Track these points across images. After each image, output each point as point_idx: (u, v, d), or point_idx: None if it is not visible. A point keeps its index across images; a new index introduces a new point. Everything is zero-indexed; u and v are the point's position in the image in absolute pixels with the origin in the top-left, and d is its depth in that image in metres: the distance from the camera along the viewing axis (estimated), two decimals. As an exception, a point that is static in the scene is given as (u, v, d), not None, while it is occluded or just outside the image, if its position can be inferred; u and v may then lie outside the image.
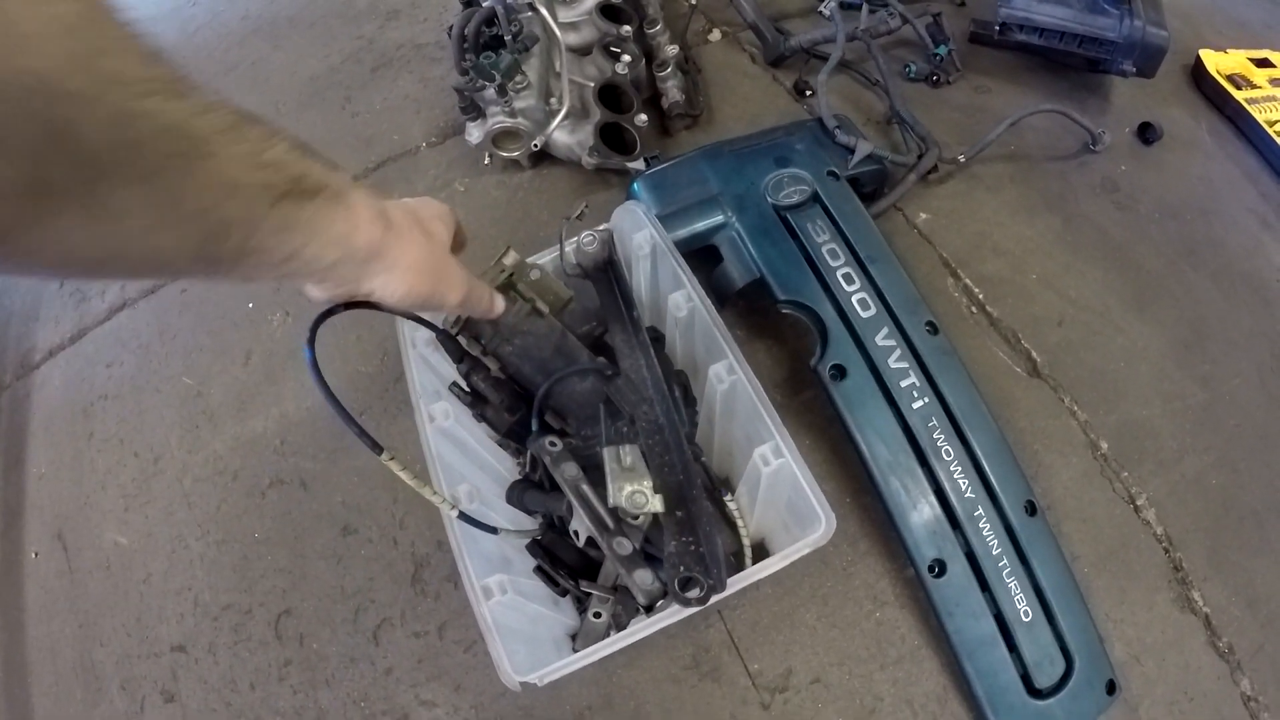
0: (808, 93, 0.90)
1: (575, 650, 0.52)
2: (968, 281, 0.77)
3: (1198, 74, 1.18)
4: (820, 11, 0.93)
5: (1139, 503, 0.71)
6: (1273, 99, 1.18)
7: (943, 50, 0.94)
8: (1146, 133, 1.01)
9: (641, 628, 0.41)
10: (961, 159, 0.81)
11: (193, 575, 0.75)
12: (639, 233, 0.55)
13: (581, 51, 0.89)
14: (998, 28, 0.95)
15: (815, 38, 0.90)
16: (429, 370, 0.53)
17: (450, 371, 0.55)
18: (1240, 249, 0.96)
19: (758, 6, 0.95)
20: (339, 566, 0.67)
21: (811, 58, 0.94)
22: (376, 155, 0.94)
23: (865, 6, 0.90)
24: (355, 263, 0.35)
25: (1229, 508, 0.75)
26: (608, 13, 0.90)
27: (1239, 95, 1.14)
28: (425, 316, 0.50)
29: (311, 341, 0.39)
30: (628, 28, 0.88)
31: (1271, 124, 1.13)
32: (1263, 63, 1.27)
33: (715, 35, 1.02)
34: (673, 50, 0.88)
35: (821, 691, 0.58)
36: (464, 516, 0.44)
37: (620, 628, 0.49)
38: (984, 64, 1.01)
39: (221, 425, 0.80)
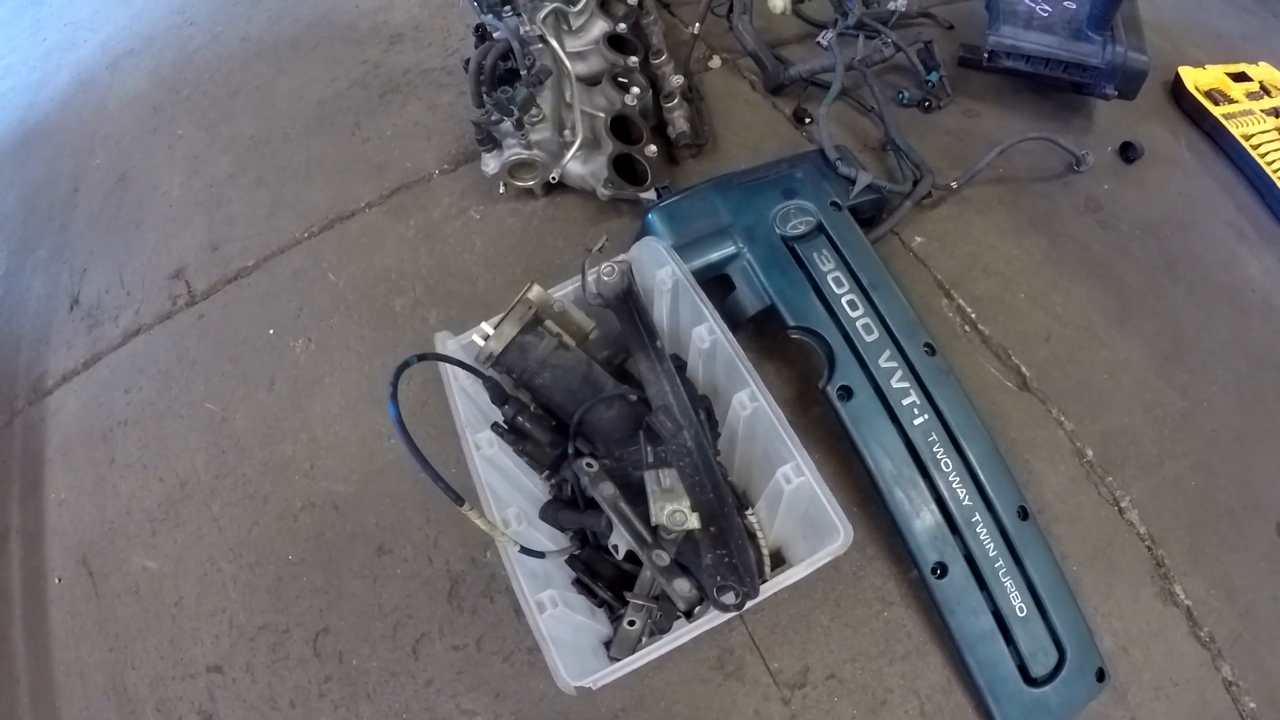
0: (806, 120, 0.97)
1: (611, 656, 0.58)
2: (960, 301, 0.84)
3: (1177, 91, 1.28)
4: (818, 42, 1.00)
5: (1123, 505, 0.79)
6: (1249, 113, 1.28)
7: (934, 77, 1.02)
8: (1128, 152, 1.10)
9: (684, 632, 0.47)
10: (954, 185, 0.89)
11: (226, 597, 0.80)
12: (661, 269, 0.62)
13: (591, 82, 0.95)
14: (986, 54, 1.03)
15: (814, 67, 0.97)
16: (470, 401, 0.59)
17: (485, 401, 0.61)
18: (1217, 261, 1.05)
19: (757, 35, 1.02)
20: (375, 585, 0.73)
21: (809, 85, 1.01)
22: (390, 182, 1.00)
23: (861, 36, 0.97)
24: None
25: (1207, 507, 0.83)
26: (614, 43, 0.97)
27: (1216, 111, 1.23)
28: (467, 361, 0.56)
29: (394, 395, 0.44)
30: (634, 58, 0.95)
31: (1247, 138, 1.22)
32: (1240, 76, 1.37)
33: (716, 62, 1.09)
34: (678, 80, 0.95)
35: (836, 686, 0.65)
36: (524, 550, 0.50)
37: (654, 634, 0.55)
38: (973, 87, 1.10)
39: (248, 450, 0.85)
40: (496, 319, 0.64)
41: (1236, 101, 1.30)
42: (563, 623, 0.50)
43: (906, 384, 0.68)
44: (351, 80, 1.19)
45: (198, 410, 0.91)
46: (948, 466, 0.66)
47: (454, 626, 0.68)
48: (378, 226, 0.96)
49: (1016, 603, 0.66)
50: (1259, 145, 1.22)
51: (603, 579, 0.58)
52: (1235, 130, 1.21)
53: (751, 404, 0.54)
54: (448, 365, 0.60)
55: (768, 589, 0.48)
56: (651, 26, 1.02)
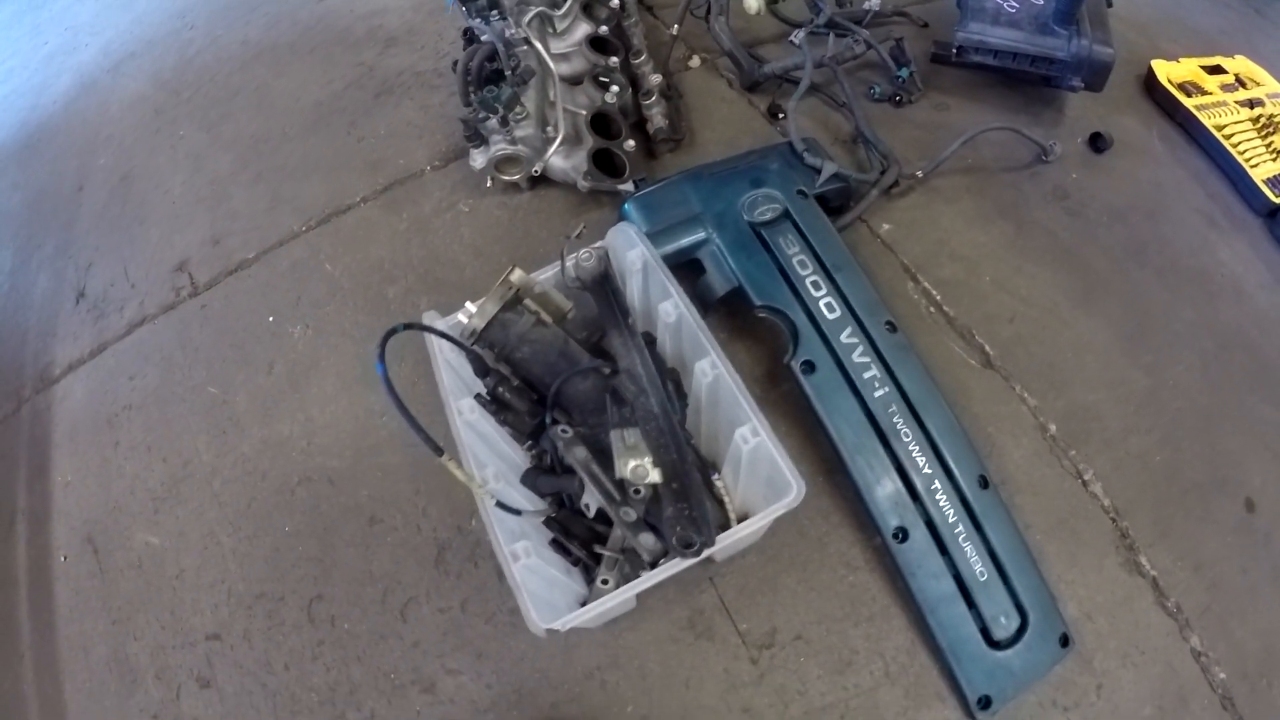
0: (780, 115, 1.03)
1: (581, 607, 0.62)
2: (926, 285, 0.90)
3: (1150, 83, 1.33)
4: (791, 40, 1.06)
5: (1086, 477, 0.83)
6: (1223, 104, 1.33)
7: (904, 73, 1.08)
8: (1097, 142, 1.15)
9: (648, 578, 0.52)
10: (920, 174, 0.94)
11: (225, 569, 0.85)
12: (631, 250, 0.67)
13: (573, 81, 1.01)
14: (955, 50, 1.09)
15: (787, 65, 1.03)
16: (454, 373, 0.64)
17: (469, 374, 0.67)
18: (1186, 247, 1.10)
19: (734, 35, 1.08)
20: (366, 553, 0.78)
21: (784, 83, 1.07)
22: (384, 178, 1.06)
23: (832, 35, 1.03)
24: None
25: (1173, 481, 0.87)
26: (596, 44, 1.03)
27: (1189, 103, 1.29)
28: (449, 332, 0.61)
29: (382, 356, 0.50)
30: (615, 59, 1.01)
31: (1220, 128, 1.28)
32: (1214, 69, 1.42)
33: (695, 62, 1.15)
34: (656, 79, 1.01)
35: (803, 647, 0.69)
36: (500, 505, 0.55)
37: (627, 577, 0.60)
38: (944, 82, 1.15)
39: (248, 430, 0.90)
40: (481, 300, 0.70)
41: (1210, 93, 1.36)
42: (536, 574, 0.55)
43: (867, 359, 0.73)
44: (347, 82, 1.26)
45: (200, 394, 0.96)
46: (907, 436, 0.71)
47: (440, 591, 0.74)
48: (372, 220, 1.02)
49: (977, 567, 0.71)
50: (1231, 135, 1.27)
51: (577, 538, 0.63)
52: (1207, 121, 1.26)
53: (712, 371, 0.59)
54: (434, 340, 0.66)
55: (724, 538, 0.53)
56: (633, 28, 1.09)
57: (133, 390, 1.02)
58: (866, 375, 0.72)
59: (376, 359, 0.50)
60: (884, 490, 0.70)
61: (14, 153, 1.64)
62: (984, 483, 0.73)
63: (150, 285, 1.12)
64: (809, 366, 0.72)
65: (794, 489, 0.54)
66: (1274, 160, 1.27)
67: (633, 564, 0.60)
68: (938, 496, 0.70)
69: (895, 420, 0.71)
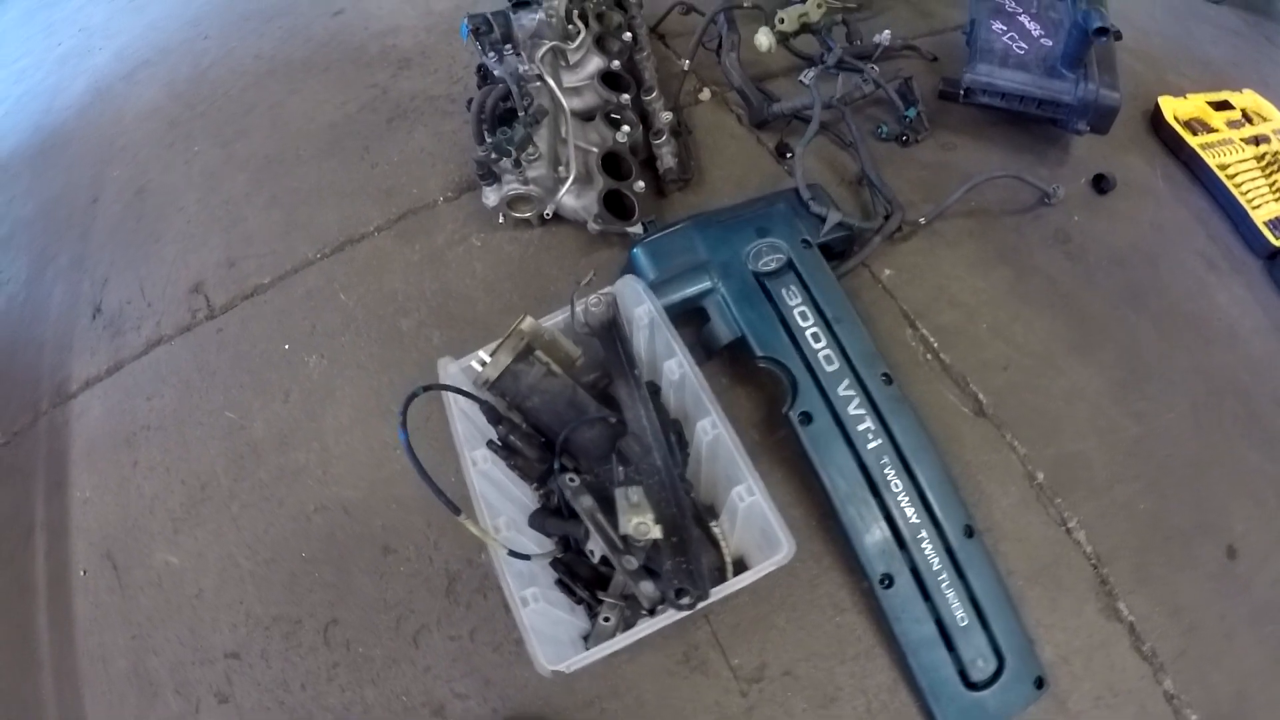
0: (788, 155, 1.08)
1: (588, 648, 0.68)
2: (924, 331, 0.95)
3: (1156, 121, 1.38)
4: (801, 80, 1.10)
5: (1070, 525, 0.89)
6: (1228, 142, 1.38)
7: (911, 112, 1.12)
8: (1100, 184, 1.20)
9: (646, 627, 0.58)
10: (923, 221, 0.99)
11: (244, 590, 0.91)
12: (639, 306, 0.73)
13: (585, 117, 1.06)
14: (963, 91, 1.13)
15: (796, 105, 1.08)
16: (468, 420, 0.70)
17: (482, 421, 0.73)
18: (1184, 291, 1.14)
19: (743, 71, 1.13)
20: (381, 581, 0.84)
21: (793, 119, 1.11)
22: (397, 208, 1.12)
23: (841, 76, 1.07)
24: None
25: (1156, 528, 0.93)
26: (608, 80, 1.08)
27: (1194, 141, 1.33)
28: (466, 388, 0.67)
29: (403, 424, 0.55)
30: (626, 95, 1.06)
31: (1224, 167, 1.32)
32: (1222, 105, 1.46)
33: (705, 94, 1.20)
34: (667, 117, 1.06)
35: (791, 682, 0.75)
36: (512, 553, 0.61)
37: (625, 629, 0.66)
38: (952, 120, 1.20)
39: (265, 457, 0.96)
40: (493, 345, 0.75)
41: (1216, 130, 1.40)
42: (543, 616, 0.61)
43: (862, 411, 0.78)
44: (361, 104, 1.31)
45: (217, 418, 1.02)
46: (897, 487, 0.77)
47: (450, 619, 0.80)
48: (386, 250, 1.07)
49: (958, 613, 0.77)
50: (1235, 174, 1.32)
51: (581, 580, 0.69)
52: (1211, 160, 1.31)
53: (713, 431, 0.65)
54: (450, 397, 0.72)
55: (718, 592, 0.59)
56: (644, 62, 1.13)
57: (150, 411, 1.09)
58: (861, 427, 0.78)
59: (399, 426, 0.56)
60: (872, 538, 0.76)
61: (28, 158, 1.70)
62: (969, 532, 0.79)
63: (166, 305, 1.18)
64: (806, 418, 0.78)
65: (784, 548, 0.60)
66: (1277, 200, 1.32)
67: (632, 606, 0.66)
68: (924, 545, 0.76)
69: (887, 471, 0.77)
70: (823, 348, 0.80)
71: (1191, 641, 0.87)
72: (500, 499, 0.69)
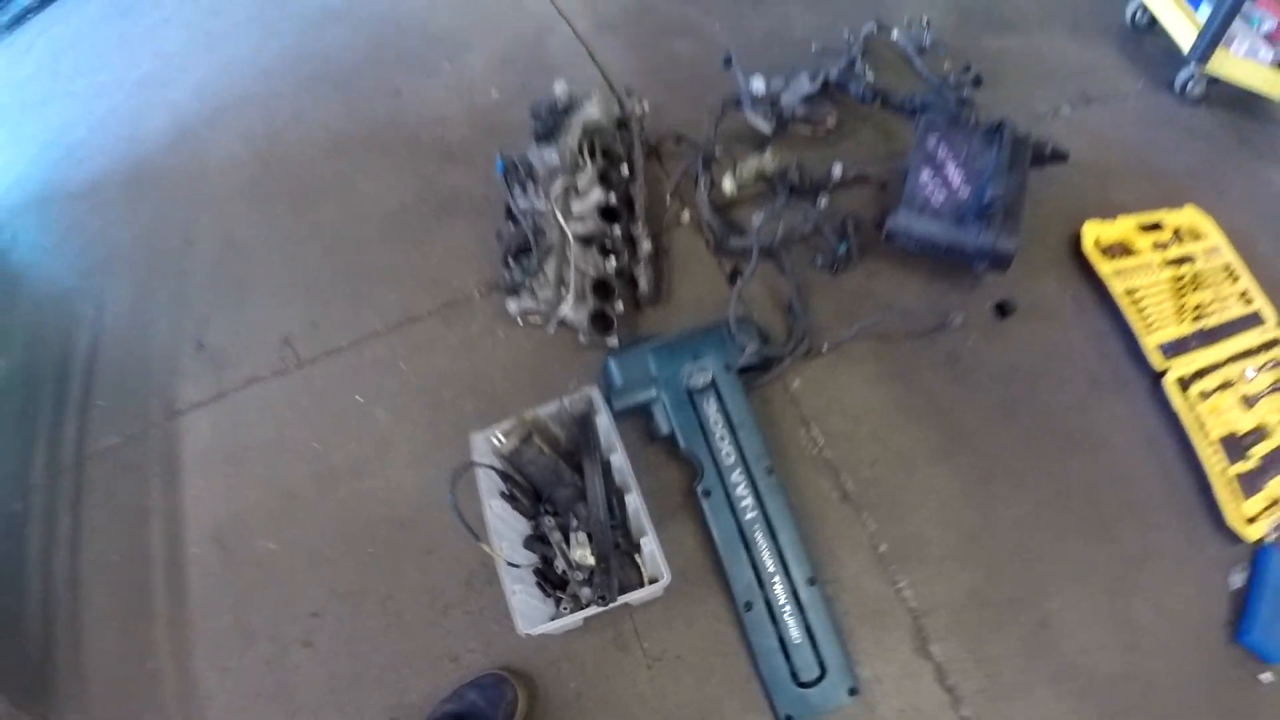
0: (737, 279, 1.76)
1: (540, 624, 1.40)
2: (815, 433, 1.63)
3: (1077, 246, 1.99)
4: (753, 219, 1.78)
5: (899, 585, 1.56)
6: (1147, 265, 1.98)
7: (842, 248, 1.78)
8: (1002, 309, 1.83)
9: (583, 615, 1.30)
10: (824, 349, 1.66)
11: (324, 573, 1.66)
12: (599, 415, 1.44)
13: (585, 240, 1.76)
14: (885, 235, 1.78)
15: (746, 244, 1.75)
16: (488, 475, 1.42)
17: (496, 480, 1.45)
18: (1059, 407, 1.78)
19: (712, 207, 1.81)
20: (422, 572, 1.58)
21: (747, 251, 1.79)
22: (440, 297, 1.84)
23: (783, 216, 1.74)
24: None
25: (975, 596, 1.58)
26: (606, 213, 1.77)
27: (1105, 268, 1.94)
28: (489, 459, 1.39)
29: (453, 489, 1.27)
30: (618, 228, 1.75)
31: (1131, 292, 1.93)
32: (1153, 226, 2.06)
33: (686, 217, 1.88)
34: (647, 247, 1.75)
35: (680, 664, 1.47)
36: (509, 563, 1.32)
37: (571, 614, 1.37)
38: (882, 247, 1.85)
39: (343, 480, 1.71)
40: (506, 426, 1.47)
41: (1138, 253, 2.00)
42: (525, 602, 1.33)
43: (746, 493, 1.48)
44: (414, 193, 2.04)
45: (305, 447, 1.78)
46: (762, 546, 1.46)
47: (468, 601, 1.53)
48: (433, 332, 1.80)
49: (795, 634, 1.45)
50: (1141, 298, 1.92)
51: (550, 582, 1.41)
52: (1118, 285, 1.91)
53: (634, 502, 1.36)
54: (476, 454, 1.44)
55: (622, 598, 1.30)
56: (637, 192, 1.82)
57: (251, 435, 1.85)
58: (743, 504, 1.47)
59: (449, 492, 1.28)
60: (742, 578, 1.45)
61: (119, 185, 2.49)
62: (811, 581, 1.47)
63: (261, 351, 1.94)
64: (707, 492, 1.48)
65: (665, 579, 1.30)
66: (1178, 323, 1.92)
67: (577, 602, 1.38)
68: (775, 586, 1.45)
69: (756, 534, 1.46)
70: (725, 446, 1.50)
71: (992, 684, 1.52)
72: (504, 528, 1.42)
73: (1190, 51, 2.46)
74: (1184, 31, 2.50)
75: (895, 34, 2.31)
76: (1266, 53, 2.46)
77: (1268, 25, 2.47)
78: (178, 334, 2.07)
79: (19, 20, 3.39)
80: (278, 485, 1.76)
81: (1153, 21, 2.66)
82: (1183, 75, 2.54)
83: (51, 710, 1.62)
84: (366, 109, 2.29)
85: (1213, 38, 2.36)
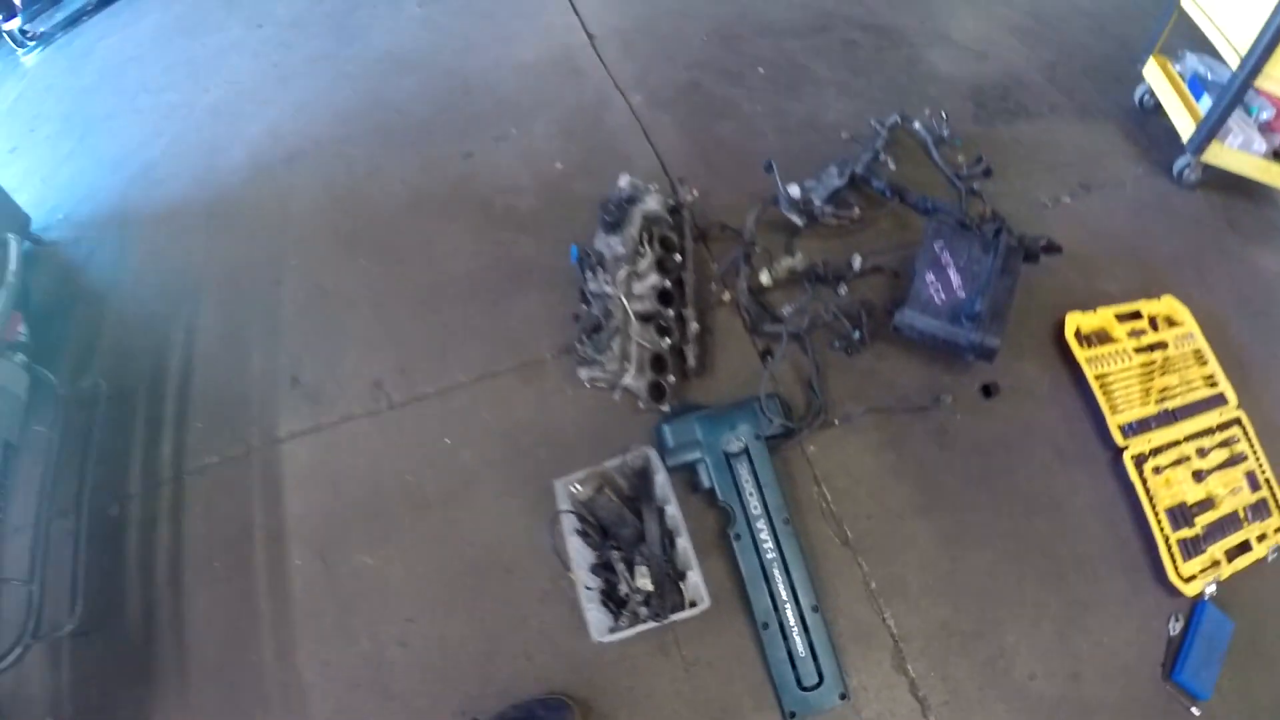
0: (768, 358, 2.42)
1: (610, 633, 2.07)
2: (825, 490, 2.29)
3: (1059, 331, 2.65)
4: (784, 309, 2.43)
5: (885, 615, 2.24)
6: (1121, 352, 2.65)
7: (856, 334, 2.44)
8: (987, 390, 2.51)
9: (640, 628, 1.97)
10: (836, 422, 2.33)
11: (418, 584, 2.32)
12: (658, 474, 2.10)
13: (644, 318, 2.41)
14: (893, 327, 2.44)
15: (776, 330, 2.41)
16: (570, 516, 2.09)
17: (575, 521, 2.12)
18: (1027, 475, 2.45)
19: (749, 294, 2.46)
20: (503, 588, 2.24)
21: (779, 334, 2.45)
22: (519, 357, 2.48)
23: (811, 304, 2.40)
24: None
25: (945, 627, 2.26)
26: (663, 297, 2.42)
27: (1082, 355, 2.61)
28: (569, 505, 2.05)
29: (551, 531, 1.93)
30: (671, 311, 2.40)
31: (1102, 376, 2.60)
32: (1131, 315, 2.73)
33: (727, 296, 2.53)
34: (695, 328, 2.40)
35: (709, 669, 2.14)
36: (587, 588, 1.98)
37: (630, 627, 2.04)
38: (889, 334, 2.50)
39: (434, 510, 2.36)
40: (582, 475, 2.13)
41: (1115, 341, 2.67)
42: (596, 614, 2.00)
43: (767, 538, 2.15)
44: (490, 259, 2.67)
45: (400, 480, 2.43)
46: (778, 579, 2.13)
47: (541, 613, 2.19)
48: (512, 387, 2.45)
49: (800, 650, 2.13)
50: (1112, 382, 2.59)
51: (614, 601, 2.08)
52: (1092, 370, 2.58)
53: (683, 543, 2.02)
54: (560, 499, 2.10)
55: (673, 617, 1.97)
56: (687, 278, 2.47)
57: (349, 464, 2.50)
58: (765, 546, 2.14)
59: (549, 534, 1.94)
60: (761, 604, 2.12)
61: (200, 213, 3.12)
62: (815, 608, 2.14)
63: (355, 392, 2.59)
64: (737, 536, 2.15)
65: (705, 603, 1.97)
66: (1144, 405, 2.60)
67: (635, 617, 2.05)
68: (787, 611, 2.13)
69: (774, 571, 2.13)
70: (753, 501, 2.16)
71: (954, 698, 2.20)
72: (580, 557, 2.08)
73: (1188, 144, 3.11)
74: (1184, 122, 3.16)
75: (916, 124, 2.95)
76: (1261, 144, 3.09)
77: (1266, 114, 3.10)
78: (272, 368, 2.70)
79: (74, 21, 3.99)
80: (375, 510, 2.42)
81: (1159, 104, 3.31)
82: (1180, 163, 3.20)
83: (153, 695, 2.17)
84: (441, 169, 2.92)
85: (1209, 132, 3.01)
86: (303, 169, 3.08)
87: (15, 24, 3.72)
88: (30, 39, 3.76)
